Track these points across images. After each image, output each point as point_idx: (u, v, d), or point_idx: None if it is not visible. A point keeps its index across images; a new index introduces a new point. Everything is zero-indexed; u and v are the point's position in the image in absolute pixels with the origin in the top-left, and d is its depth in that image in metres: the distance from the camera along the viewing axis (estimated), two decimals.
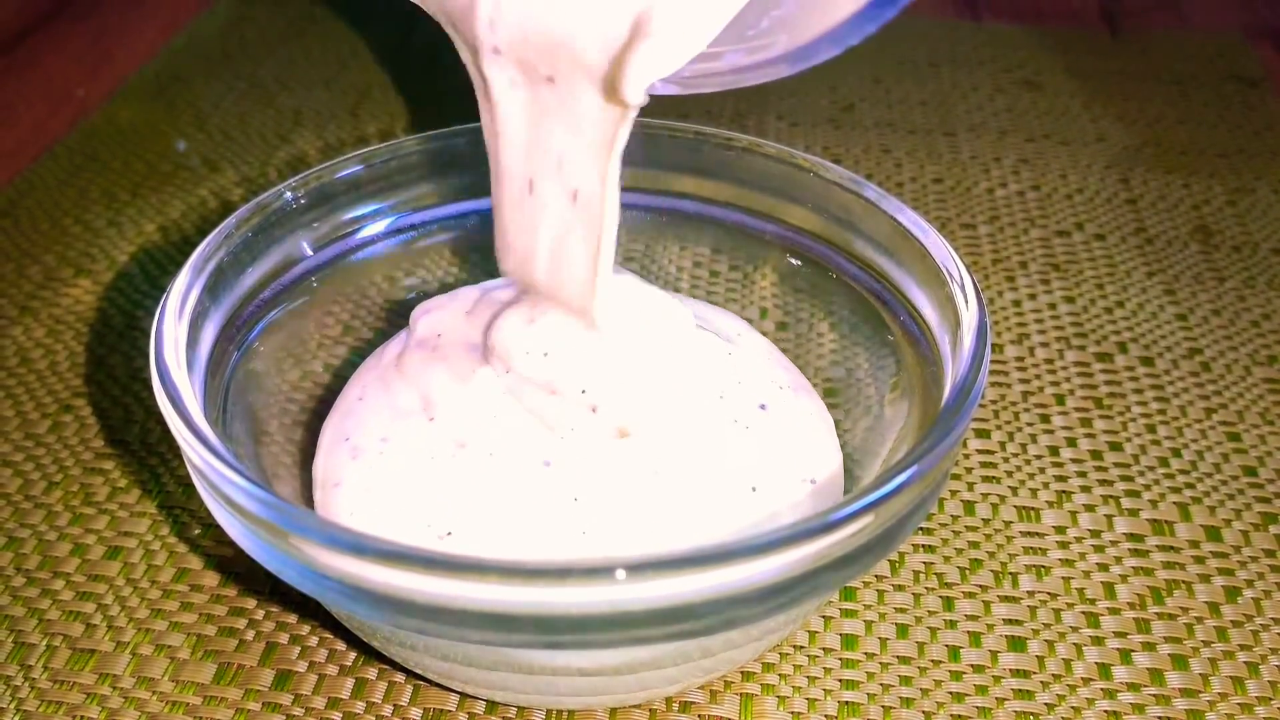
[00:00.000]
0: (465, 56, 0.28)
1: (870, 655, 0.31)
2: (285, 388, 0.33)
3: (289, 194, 0.33)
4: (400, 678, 0.30)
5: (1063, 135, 0.55)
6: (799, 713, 0.30)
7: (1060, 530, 0.35)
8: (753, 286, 0.37)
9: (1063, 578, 0.33)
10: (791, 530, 0.22)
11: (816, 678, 0.31)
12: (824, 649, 0.31)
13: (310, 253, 0.34)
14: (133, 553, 0.34)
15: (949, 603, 0.33)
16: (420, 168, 0.35)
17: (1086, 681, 0.31)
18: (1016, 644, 0.32)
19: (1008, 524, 0.35)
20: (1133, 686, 0.31)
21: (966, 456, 0.37)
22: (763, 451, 0.30)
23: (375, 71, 0.60)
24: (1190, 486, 0.36)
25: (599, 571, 0.21)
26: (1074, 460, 0.37)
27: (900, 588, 0.33)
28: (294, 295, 0.33)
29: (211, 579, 0.33)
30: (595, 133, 0.27)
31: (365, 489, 0.29)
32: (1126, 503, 0.36)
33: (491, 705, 0.30)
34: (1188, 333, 0.43)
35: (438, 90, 0.58)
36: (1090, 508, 0.36)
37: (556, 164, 0.28)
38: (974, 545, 0.34)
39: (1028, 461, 0.37)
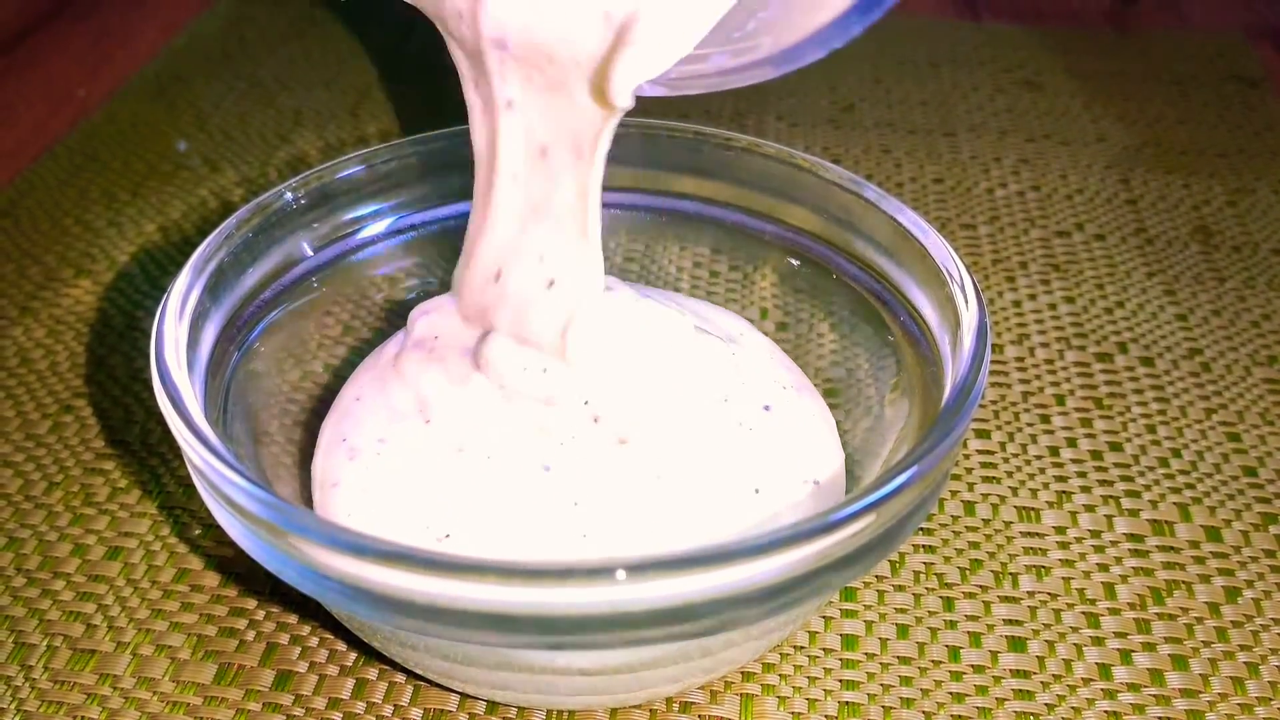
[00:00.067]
0: (456, 53, 0.28)
1: (870, 655, 0.31)
2: (285, 388, 0.33)
3: (289, 194, 0.33)
4: (401, 678, 0.30)
5: (1063, 135, 0.55)
6: (799, 713, 0.30)
7: (1060, 530, 0.35)
8: (753, 287, 0.37)
9: (1063, 578, 0.33)
10: (792, 530, 0.22)
11: (817, 678, 0.31)
12: (824, 649, 0.31)
13: (310, 253, 0.34)
14: (133, 553, 0.34)
15: (949, 603, 0.33)
16: (420, 168, 0.35)
17: (1087, 682, 0.31)
18: (1017, 644, 0.32)
19: (1008, 524, 0.35)
20: (1133, 687, 0.31)
21: (967, 457, 0.37)
22: (766, 453, 0.30)
23: (375, 72, 0.60)
24: (1190, 487, 0.36)
25: (599, 572, 0.21)
26: (1074, 460, 0.37)
27: (900, 588, 0.33)
28: (294, 295, 0.33)
29: (212, 579, 0.33)
30: (582, 134, 0.27)
31: (363, 490, 0.29)
32: (1127, 503, 0.36)
33: (492, 705, 0.30)
34: (1188, 333, 0.43)
35: (438, 90, 0.58)
36: (1090, 508, 0.36)
37: (547, 178, 0.28)
38: (974, 546, 0.34)
39: (1028, 462, 0.37)
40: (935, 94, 0.59)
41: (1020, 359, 0.42)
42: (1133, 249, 0.47)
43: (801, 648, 0.31)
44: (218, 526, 0.27)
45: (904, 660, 0.31)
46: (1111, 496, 0.36)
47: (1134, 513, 0.36)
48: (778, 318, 0.37)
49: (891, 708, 0.30)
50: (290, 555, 0.23)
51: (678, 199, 0.36)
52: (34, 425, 0.38)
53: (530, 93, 0.27)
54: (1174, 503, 0.36)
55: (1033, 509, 0.36)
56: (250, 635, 0.31)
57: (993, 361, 0.41)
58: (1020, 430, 0.38)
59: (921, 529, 0.35)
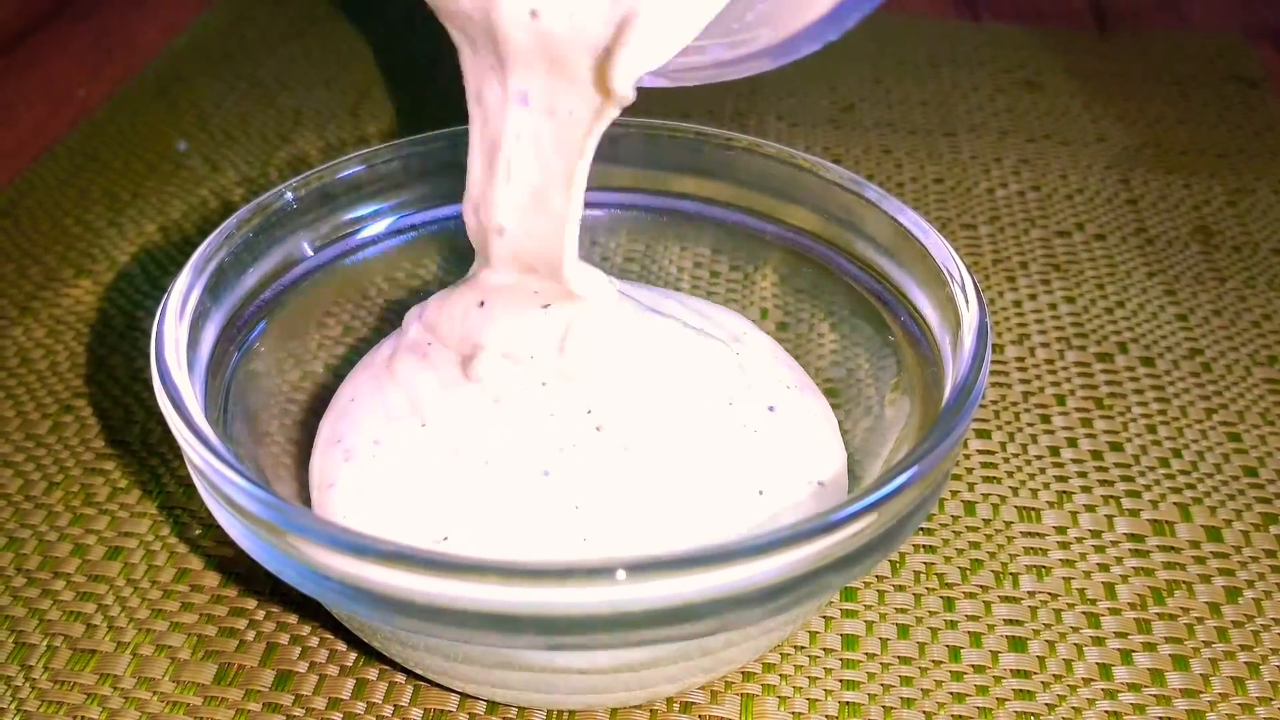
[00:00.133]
0: (463, 47, 0.28)
1: (871, 655, 0.31)
2: (285, 388, 0.33)
3: (290, 194, 0.33)
4: (401, 678, 0.30)
5: (1063, 135, 0.55)
6: (800, 713, 0.30)
7: (1061, 530, 0.35)
8: (753, 287, 0.37)
9: (1063, 578, 0.33)
10: (792, 530, 0.22)
11: (817, 678, 0.31)
12: (825, 649, 0.31)
13: (311, 253, 0.34)
14: (133, 553, 0.34)
15: (950, 603, 0.33)
16: (420, 168, 0.35)
17: (1087, 682, 0.31)
18: (1017, 644, 0.32)
19: (1008, 524, 0.35)
20: (1133, 687, 0.31)
21: (967, 457, 0.37)
22: (770, 454, 0.30)
23: (376, 71, 0.60)
24: (1191, 487, 0.36)
25: (600, 572, 0.21)
26: (1074, 460, 0.37)
27: (901, 588, 0.33)
28: (295, 296, 0.33)
29: (212, 579, 0.33)
30: (578, 123, 0.27)
31: (359, 491, 0.29)
32: (1127, 503, 0.36)
33: (492, 705, 0.30)
34: (1188, 333, 0.43)
35: (438, 90, 0.58)
36: (1091, 508, 0.36)
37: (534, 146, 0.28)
38: (975, 546, 0.34)
39: (1028, 462, 0.37)
40: (935, 94, 0.59)
41: (1021, 359, 0.42)
42: (1133, 249, 0.47)
43: (802, 648, 0.31)
44: (218, 526, 0.27)
45: (904, 660, 0.31)
46: (1112, 496, 0.36)
47: (1134, 513, 0.36)
48: (778, 318, 0.37)
49: (892, 708, 0.30)
50: (290, 555, 0.23)
51: (678, 199, 0.36)
52: (34, 425, 0.38)
53: (535, 83, 0.27)
54: (1174, 503, 0.36)
55: (1033, 509, 0.36)
56: (250, 635, 0.31)
57: (993, 361, 0.41)
58: (1021, 430, 0.38)
59: (922, 529, 0.35)
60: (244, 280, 0.31)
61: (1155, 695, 0.30)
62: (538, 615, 0.22)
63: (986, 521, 0.35)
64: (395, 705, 0.30)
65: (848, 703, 0.30)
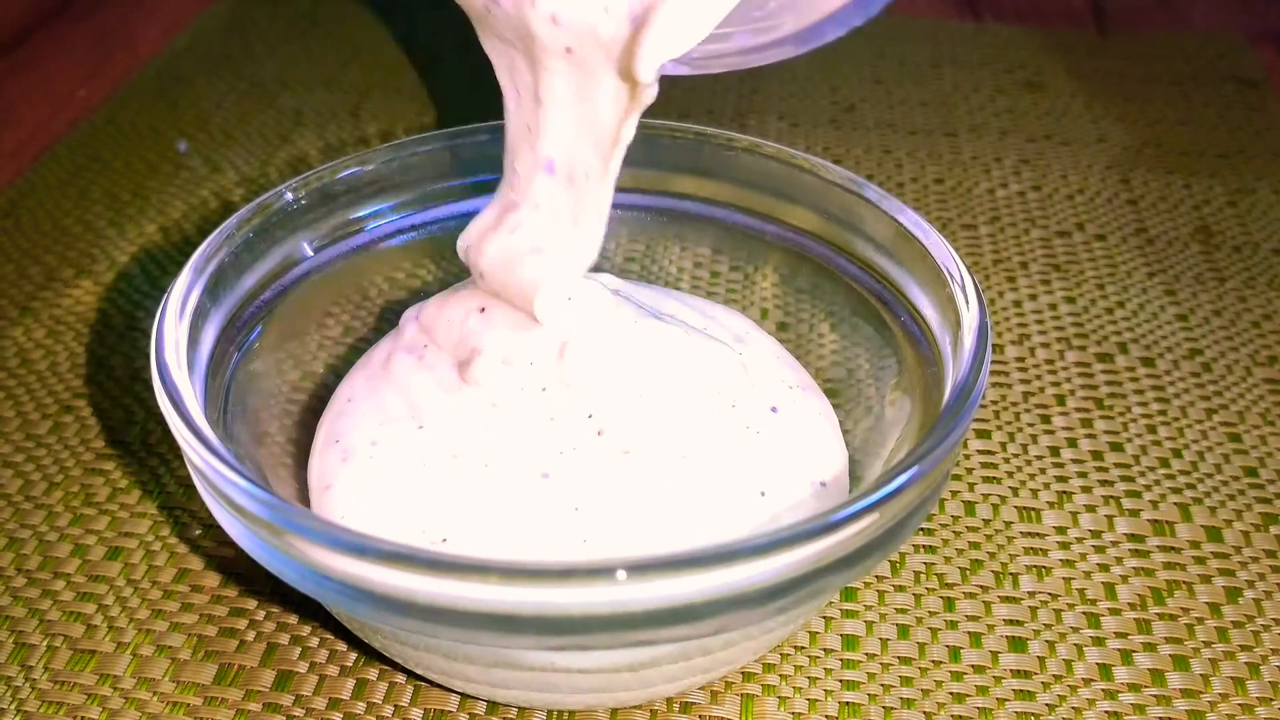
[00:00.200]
0: (493, 43, 0.28)
1: (871, 656, 0.31)
2: (285, 388, 0.33)
3: (290, 194, 0.33)
4: (401, 678, 0.30)
5: (1063, 136, 0.55)
6: (800, 713, 0.30)
7: (1061, 531, 0.35)
8: (753, 287, 0.37)
9: (1063, 578, 0.33)
10: (792, 531, 0.22)
11: (817, 678, 0.31)
12: (825, 649, 0.31)
13: (311, 253, 0.34)
14: (133, 553, 0.34)
15: (950, 603, 0.33)
16: (421, 168, 0.35)
17: (1087, 682, 0.31)
18: (1017, 644, 0.32)
19: (1008, 524, 0.35)
20: (1134, 687, 0.31)
21: (967, 457, 0.37)
22: (773, 456, 0.30)
23: (376, 72, 0.60)
24: (1191, 487, 0.36)
25: (600, 572, 0.21)
26: (1075, 461, 0.37)
27: (901, 588, 0.33)
28: (295, 296, 0.33)
29: (212, 580, 0.33)
30: (607, 114, 0.27)
31: (357, 493, 0.29)
32: (1127, 503, 0.36)
33: (492, 705, 0.30)
34: (1188, 333, 0.43)
35: (438, 90, 0.58)
36: (1091, 508, 0.36)
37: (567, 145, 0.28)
38: (975, 546, 0.34)
39: (1028, 462, 0.37)
40: (936, 94, 0.59)
41: (1021, 359, 0.42)
42: (1133, 249, 0.47)
43: (802, 648, 0.31)
44: (218, 526, 0.27)
45: (904, 660, 0.31)
46: (1112, 497, 0.36)
47: (1135, 513, 0.36)
48: (778, 318, 0.37)
49: (892, 708, 0.30)
50: (290, 555, 0.23)
51: (679, 199, 0.36)
52: (34, 425, 0.38)
53: (562, 78, 0.27)
54: (1175, 503, 0.36)
55: (1033, 509, 0.36)
56: (250, 635, 0.31)
57: (993, 361, 0.41)
58: (1021, 430, 0.38)
59: (922, 529, 0.35)
60: (244, 280, 0.31)
61: (1155, 695, 0.30)
62: (538, 615, 0.22)
63: (986, 521, 0.35)
64: (395, 705, 0.30)
65: (848, 703, 0.30)
